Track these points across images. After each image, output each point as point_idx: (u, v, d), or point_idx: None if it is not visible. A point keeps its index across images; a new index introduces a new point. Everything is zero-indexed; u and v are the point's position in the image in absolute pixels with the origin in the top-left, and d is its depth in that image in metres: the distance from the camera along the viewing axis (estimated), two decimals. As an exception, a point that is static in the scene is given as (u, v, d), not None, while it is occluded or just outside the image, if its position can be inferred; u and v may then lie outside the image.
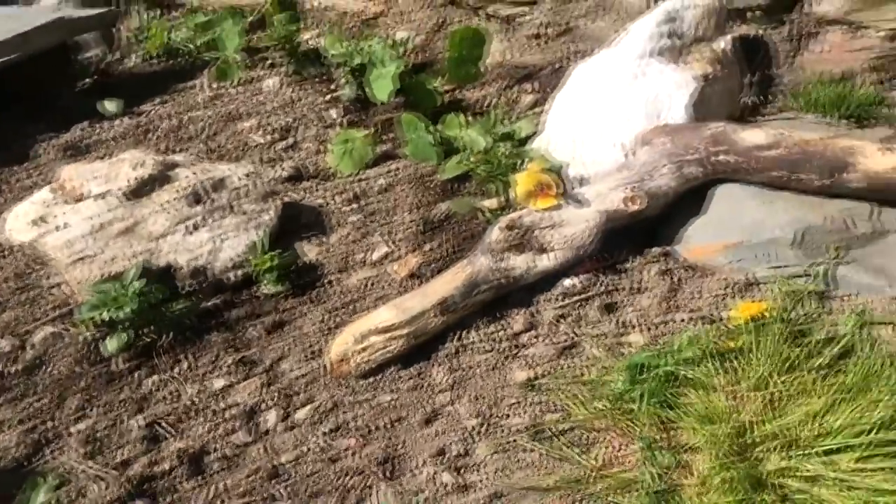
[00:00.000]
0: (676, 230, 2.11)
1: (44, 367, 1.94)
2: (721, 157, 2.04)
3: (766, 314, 1.76)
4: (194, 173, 2.26)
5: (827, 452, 1.49)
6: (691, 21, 2.39)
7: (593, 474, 1.57)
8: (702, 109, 2.24)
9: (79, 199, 2.15)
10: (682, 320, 1.92)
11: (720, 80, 2.34)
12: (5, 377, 1.90)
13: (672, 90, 2.17)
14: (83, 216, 2.09)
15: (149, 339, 1.98)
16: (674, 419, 1.62)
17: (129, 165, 2.19)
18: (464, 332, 1.95)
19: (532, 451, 1.67)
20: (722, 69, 2.33)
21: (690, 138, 2.05)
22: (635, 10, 2.68)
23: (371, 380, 1.88)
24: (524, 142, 2.46)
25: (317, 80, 3.15)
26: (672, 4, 2.39)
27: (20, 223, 2.09)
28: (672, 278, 2.02)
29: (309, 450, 1.73)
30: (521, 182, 2.00)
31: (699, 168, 2.07)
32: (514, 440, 1.69)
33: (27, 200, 2.19)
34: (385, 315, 1.91)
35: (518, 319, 1.96)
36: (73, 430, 1.80)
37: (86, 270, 2.02)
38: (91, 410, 1.85)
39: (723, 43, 2.41)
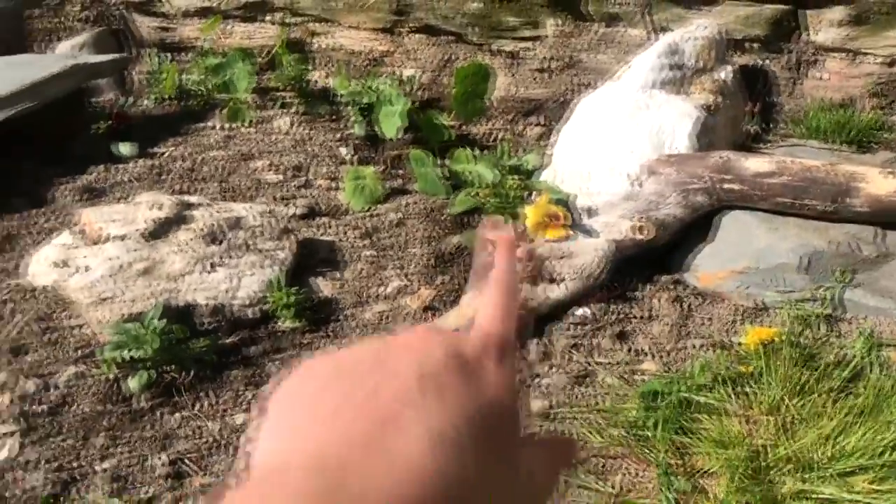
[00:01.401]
0: (686, 258, 2.14)
1: (69, 407, 1.98)
2: (727, 186, 2.09)
3: (777, 339, 1.79)
4: (211, 213, 2.32)
5: (841, 474, 1.51)
6: (692, 53, 2.45)
7: (612, 501, 1.60)
8: (706, 138, 2.28)
9: (99, 242, 2.20)
10: (695, 347, 1.95)
11: (723, 110, 2.39)
12: (32, 417, 1.94)
13: (676, 120, 2.22)
14: (104, 258, 2.14)
15: (170, 378, 2.02)
16: (689, 444, 1.64)
17: (148, 207, 2.24)
18: (479, 363, 1.99)
19: (550, 479, 1.69)
20: (724, 99, 2.37)
21: (696, 167, 2.10)
22: (637, 43, 2.74)
23: (389, 412, 1.91)
24: (532, 174, 2.50)
25: (327, 118, 3.22)
26: (674, 37, 2.45)
27: (43, 266, 2.14)
28: (683, 305, 2.05)
29: (331, 483, 1.76)
30: (531, 214, 2.05)
31: (706, 196, 2.11)
32: (533, 469, 1.71)
33: (49, 244, 2.24)
34: (402, 348, 1.94)
35: (532, 350, 2.00)
36: (99, 467, 1.83)
37: (107, 311, 2.07)
38: (116, 448, 1.88)
39: (724, 73, 2.46)
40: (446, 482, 0.34)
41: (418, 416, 0.35)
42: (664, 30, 2.69)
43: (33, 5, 4.03)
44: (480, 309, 0.44)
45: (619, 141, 2.26)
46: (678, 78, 2.38)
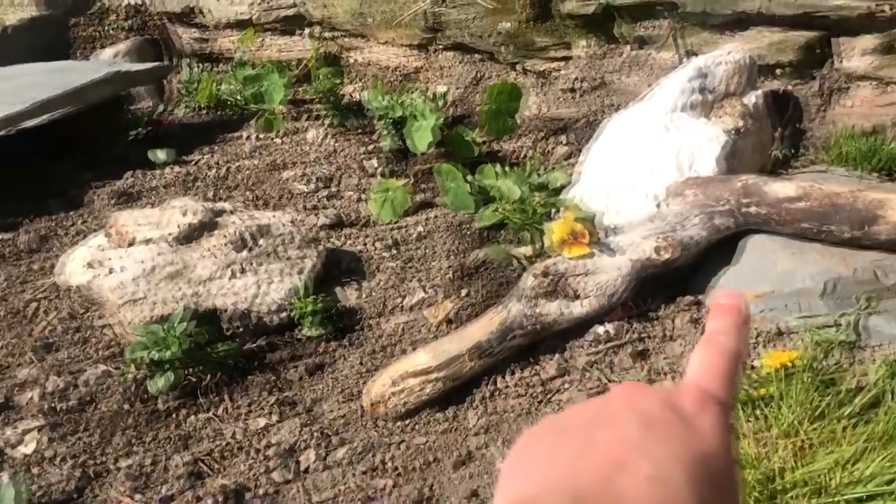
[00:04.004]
0: (707, 280, 2.15)
1: (93, 405, 2.02)
2: (751, 209, 2.09)
3: (795, 363, 1.79)
4: (240, 220, 2.36)
5: (856, 501, 1.50)
6: (722, 77, 2.46)
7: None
8: (732, 162, 2.29)
9: (130, 244, 2.25)
10: (712, 368, 1.94)
11: (750, 134, 2.40)
12: (57, 414, 1.98)
13: (703, 143, 2.23)
14: (134, 260, 2.19)
15: (194, 379, 2.06)
16: (702, 465, 1.64)
17: (179, 212, 2.29)
18: (497, 377, 2.00)
19: (562, 494, 1.70)
20: (752, 123, 2.38)
21: (721, 190, 2.11)
22: (666, 65, 2.75)
23: (406, 422, 1.93)
24: (558, 191, 2.52)
25: (358, 131, 3.27)
26: (703, 61, 2.46)
27: (76, 266, 2.19)
28: (702, 327, 2.05)
29: (345, 489, 1.78)
30: (555, 230, 2.06)
31: (729, 219, 2.12)
32: (545, 483, 1.72)
33: (82, 245, 2.29)
34: (421, 358, 1.96)
35: (551, 365, 2.01)
36: (119, 465, 1.87)
37: (135, 312, 2.11)
38: (137, 447, 1.92)
39: (753, 98, 2.47)
40: None
41: (642, 459, 0.39)
42: (693, 53, 2.70)
43: (77, 14, 4.14)
44: (702, 368, 0.47)
45: (644, 161, 2.27)
46: (705, 101, 2.39)
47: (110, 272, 2.16)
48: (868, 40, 2.37)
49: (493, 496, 0.42)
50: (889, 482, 1.52)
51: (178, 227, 2.28)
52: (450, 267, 2.44)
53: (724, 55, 2.48)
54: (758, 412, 1.72)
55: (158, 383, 2.00)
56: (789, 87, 2.62)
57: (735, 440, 0.45)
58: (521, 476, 0.42)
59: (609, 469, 0.39)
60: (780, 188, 2.07)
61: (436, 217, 2.73)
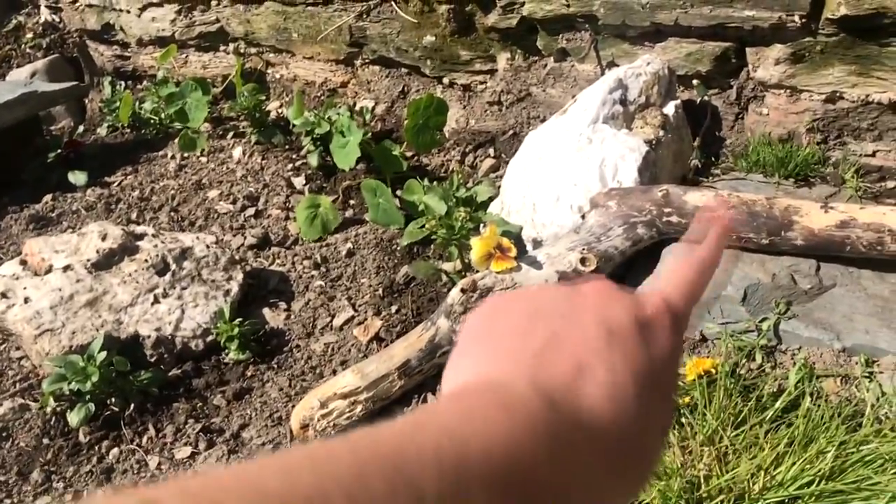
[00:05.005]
0: (632, 288, 2.17)
1: (10, 440, 1.95)
2: (671, 218, 2.12)
3: (717, 370, 1.82)
4: (162, 243, 2.31)
5: (776, 504, 1.54)
6: (641, 87, 2.50)
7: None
8: (654, 172, 2.32)
9: (45, 272, 2.17)
10: (638, 377, 1.97)
11: (670, 143, 2.44)
12: (-31, 452, 1.91)
13: (621, 154, 2.26)
14: (49, 289, 2.12)
15: (116, 409, 2.00)
16: (629, 475, 1.65)
17: (98, 237, 2.23)
18: (427, 394, 1.99)
19: (493, 511, 1.69)
20: (669, 133, 2.42)
21: (640, 201, 2.14)
22: (589, 77, 2.79)
23: (334, 444, 1.90)
24: (484, 205, 2.53)
25: (285, 148, 3.23)
26: (623, 72, 2.50)
27: (-15, 297, 2.11)
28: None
29: (273, 517, 1.74)
30: (479, 245, 2.06)
31: (651, 229, 2.15)
32: (475, 501, 1.71)
33: (-7, 274, 2.21)
34: (347, 379, 1.94)
35: (479, 380, 2.00)
36: (38, 503, 1.80)
37: (53, 342, 2.04)
38: (57, 483, 1.85)
39: (669, 108, 2.51)
40: (619, 429, 0.40)
41: (605, 368, 0.41)
42: (612, 65, 2.74)
43: (-12, 32, 4.01)
44: (672, 278, 0.50)
45: (565, 174, 2.29)
46: (624, 113, 2.42)
47: (25, 301, 2.08)
48: (779, 50, 2.44)
49: (451, 361, 0.43)
50: (808, 484, 1.55)
51: (97, 252, 2.21)
52: (379, 284, 2.43)
53: (643, 66, 2.52)
54: (683, 420, 1.75)
55: (76, 416, 1.94)
56: (707, 97, 2.68)
57: (683, 349, 0.48)
58: (485, 353, 0.43)
59: (573, 368, 0.41)
60: (697, 197, 2.11)
61: (364, 233, 2.71)
